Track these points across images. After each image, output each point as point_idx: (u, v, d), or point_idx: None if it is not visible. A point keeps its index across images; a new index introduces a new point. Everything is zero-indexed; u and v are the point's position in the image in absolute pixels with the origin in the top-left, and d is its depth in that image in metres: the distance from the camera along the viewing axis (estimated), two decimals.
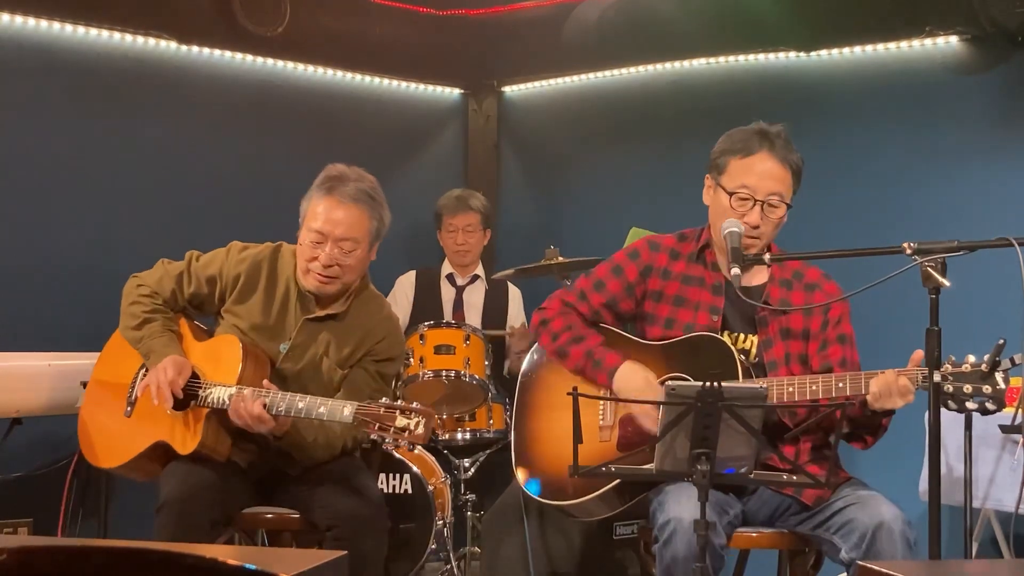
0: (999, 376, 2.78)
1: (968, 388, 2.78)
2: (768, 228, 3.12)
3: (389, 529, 3.38)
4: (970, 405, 2.82)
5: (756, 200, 3.09)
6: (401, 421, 3.05)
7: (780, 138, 3.16)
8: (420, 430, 3.04)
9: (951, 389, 2.78)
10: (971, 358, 2.79)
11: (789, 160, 3.14)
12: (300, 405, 3.14)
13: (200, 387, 3.29)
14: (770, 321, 3.15)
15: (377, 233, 3.41)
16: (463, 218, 5.20)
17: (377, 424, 3.07)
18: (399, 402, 3.13)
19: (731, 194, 3.10)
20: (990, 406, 2.82)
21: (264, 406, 3.16)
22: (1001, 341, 2.74)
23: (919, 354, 2.86)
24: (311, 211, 3.36)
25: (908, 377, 2.86)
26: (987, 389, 2.79)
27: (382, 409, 3.08)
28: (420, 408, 3.07)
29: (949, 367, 2.77)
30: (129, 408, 3.40)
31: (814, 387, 2.95)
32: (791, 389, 2.96)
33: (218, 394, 3.24)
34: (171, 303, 3.46)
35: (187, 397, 3.29)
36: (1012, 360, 2.75)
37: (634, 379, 3.11)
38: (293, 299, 3.42)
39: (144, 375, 3.39)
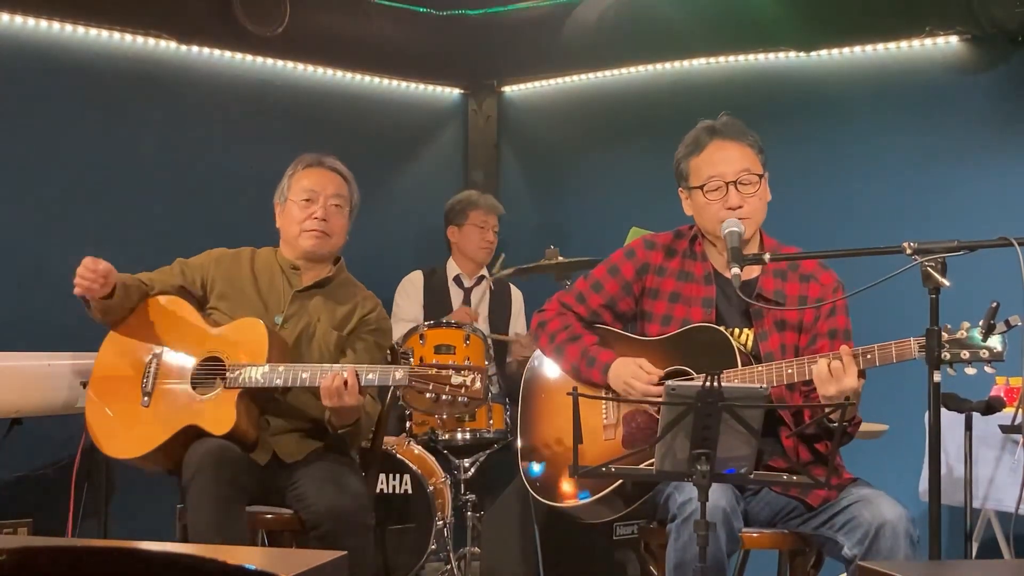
0: (996, 339, 2.77)
1: (966, 354, 2.77)
2: (753, 206, 3.12)
3: (382, 528, 3.39)
4: (969, 371, 2.81)
5: (727, 183, 3.11)
6: (456, 379, 3.17)
7: (728, 125, 3.19)
8: (477, 384, 3.17)
9: (948, 356, 2.76)
10: (966, 324, 2.79)
11: (744, 139, 3.17)
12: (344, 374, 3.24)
13: (225, 369, 3.34)
14: (765, 314, 3.16)
15: (355, 206, 3.65)
16: (494, 218, 5.28)
17: (432, 384, 3.17)
18: (450, 362, 3.21)
19: (702, 187, 3.12)
20: (989, 370, 2.81)
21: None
22: (994, 304, 2.73)
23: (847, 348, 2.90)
24: (296, 184, 3.59)
25: (835, 361, 2.87)
26: (984, 353, 2.78)
27: (433, 370, 3.19)
28: (471, 365, 3.20)
29: (946, 335, 2.76)
30: (146, 398, 3.41)
31: (790, 371, 2.97)
32: (770, 375, 2.98)
33: (250, 373, 3.30)
34: (145, 283, 3.53)
35: (212, 377, 3.35)
36: (1008, 322, 2.74)
37: (627, 369, 3.12)
38: (279, 276, 3.58)
39: (157, 364, 3.42)
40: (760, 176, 3.14)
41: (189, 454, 3.25)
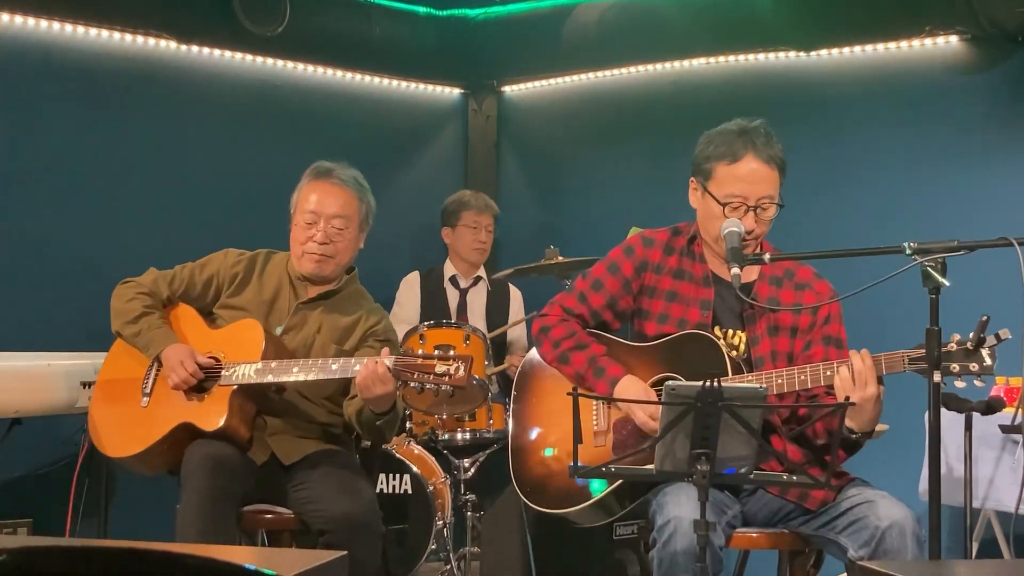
0: (985, 352, 2.75)
1: (955, 367, 2.76)
2: (762, 229, 3.13)
3: (385, 532, 3.38)
4: (959, 384, 2.80)
5: (748, 206, 3.09)
6: (440, 367, 3.16)
7: (761, 135, 3.13)
8: (461, 373, 3.15)
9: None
10: (956, 336, 2.78)
11: (774, 158, 3.13)
12: (333, 367, 3.26)
13: (221, 368, 3.37)
14: (758, 318, 3.15)
15: (365, 218, 3.60)
16: (487, 217, 5.25)
17: (416, 373, 3.17)
18: (435, 352, 3.22)
19: (723, 204, 3.10)
20: (978, 383, 2.80)
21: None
22: (984, 317, 2.72)
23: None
24: (302, 199, 3.54)
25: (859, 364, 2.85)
26: (974, 367, 2.76)
27: (420, 360, 3.19)
28: (456, 354, 3.19)
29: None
30: (146, 398, 3.45)
31: (802, 377, 2.96)
32: (780, 381, 2.97)
33: (243, 370, 3.33)
34: (165, 303, 3.58)
35: (210, 377, 3.38)
36: (997, 336, 2.74)
37: (633, 391, 3.11)
38: (287, 286, 3.57)
39: (159, 366, 3.45)
40: (779, 205, 3.13)
41: (186, 458, 3.27)
